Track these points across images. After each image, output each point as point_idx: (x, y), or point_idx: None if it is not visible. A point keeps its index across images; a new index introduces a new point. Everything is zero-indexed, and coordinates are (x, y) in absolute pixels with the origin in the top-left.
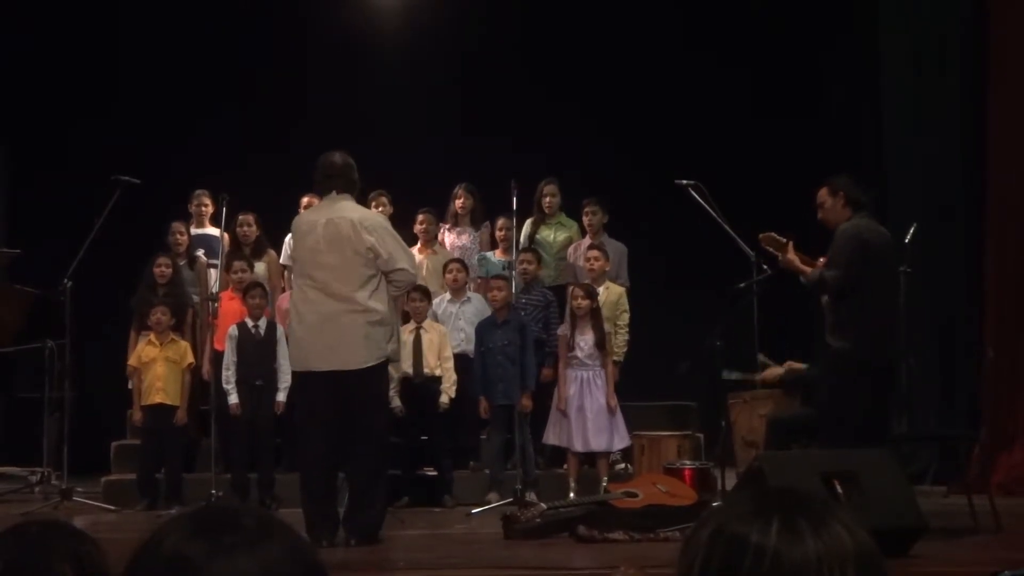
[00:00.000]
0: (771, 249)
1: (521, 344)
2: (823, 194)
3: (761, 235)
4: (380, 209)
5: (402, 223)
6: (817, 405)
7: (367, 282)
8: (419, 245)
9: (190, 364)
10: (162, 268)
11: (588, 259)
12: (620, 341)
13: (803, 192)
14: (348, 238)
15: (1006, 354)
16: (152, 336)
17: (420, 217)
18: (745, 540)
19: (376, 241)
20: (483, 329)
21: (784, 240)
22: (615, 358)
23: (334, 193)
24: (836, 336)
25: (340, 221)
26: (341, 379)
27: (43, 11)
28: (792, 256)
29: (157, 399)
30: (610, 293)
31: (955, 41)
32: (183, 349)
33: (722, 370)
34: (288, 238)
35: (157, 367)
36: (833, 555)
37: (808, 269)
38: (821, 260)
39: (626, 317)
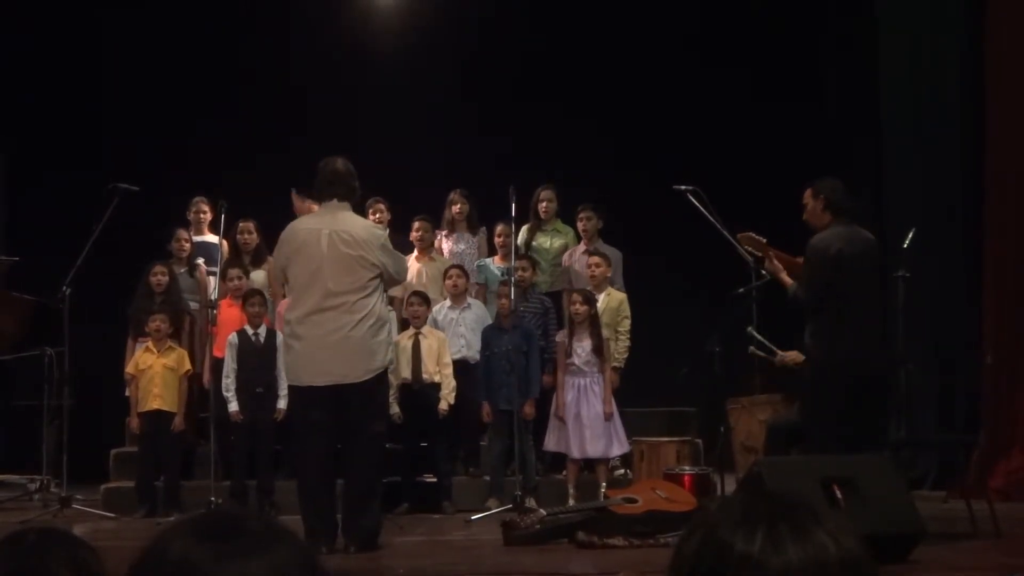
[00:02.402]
0: (751, 249)
1: (527, 350)
2: (806, 196)
3: (740, 235)
4: (377, 216)
5: (399, 229)
6: (800, 412)
7: (371, 292)
8: (416, 253)
9: (187, 371)
10: (158, 276)
11: (589, 265)
12: (621, 347)
13: (801, 196)
14: (354, 255)
15: (1005, 359)
16: (150, 343)
17: (416, 224)
18: (730, 548)
19: (381, 257)
20: (489, 334)
21: (763, 240)
22: (616, 364)
23: (334, 201)
24: (812, 346)
25: (344, 235)
26: (343, 391)
27: (40, 18)
28: (775, 265)
29: (154, 405)
30: (611, 299)
31: (953, 43)
32: (181, 356)
33: (749, 337)
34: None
35: (154, 374)
36: (815, 564)
37: (789, 281)
38: (800, 260)
39: (627, 323)
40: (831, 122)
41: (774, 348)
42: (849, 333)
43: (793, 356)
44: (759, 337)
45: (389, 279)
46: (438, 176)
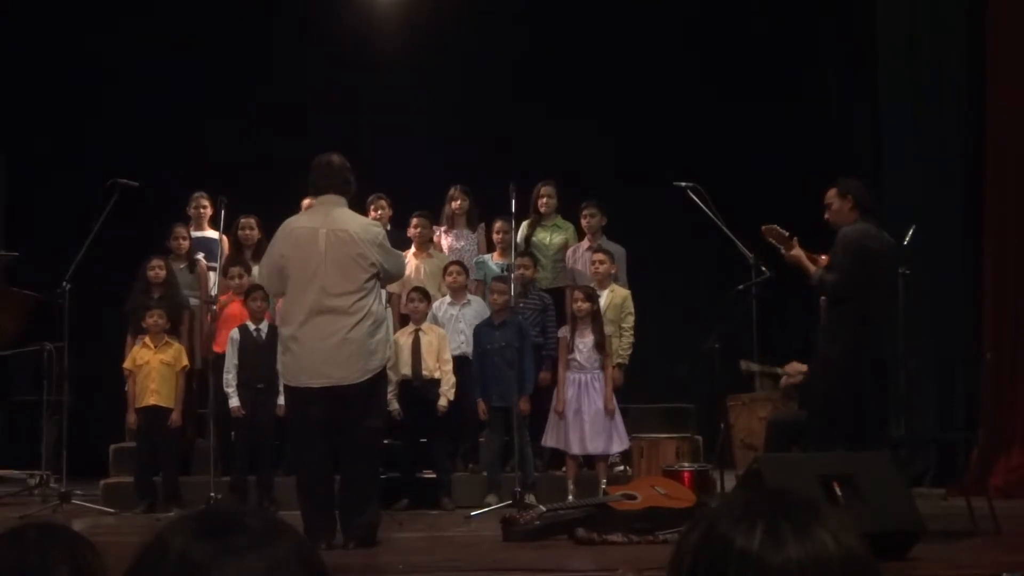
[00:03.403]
0: (773, 241)
1: (519, 346)
2: (831, 195)
3: (764, 227)
4: (379, 213)
5: (401, 226)
6: (808, 408)
7: (369, 292)
8: (414, 249)
9: (184, 367)
10: (156, 271)
11: (593, 262)
12: (625, 344)
13: (802, 194)
14: (351, 250)
15: (1004, 357)
16: (147, 339)
17: (414, 221)
18: (730, 544)
19: (378, 254)
20: (481, 331)
21: (787, 233)
22: (620, 361)
23: (330, 195)
24: (830, 341)
25: (342, 234)
26: (341, 390)
27: (41, 14)
28: (798, 251)
29: (151, 401)
30: (615, 296)
31: (953, 43)
32: (178, 351)
33: (740, 361)
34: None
35: (151, 370)
36: (815, 561)
37: (812, 267)
38: (823, 257)
39: (631, 320)
40: (831, 123)
41: (775, 370)
42: (870, 330)
43: (794, 368)
44: (755, 368)
45: (387, 277)
46: (439, 173)
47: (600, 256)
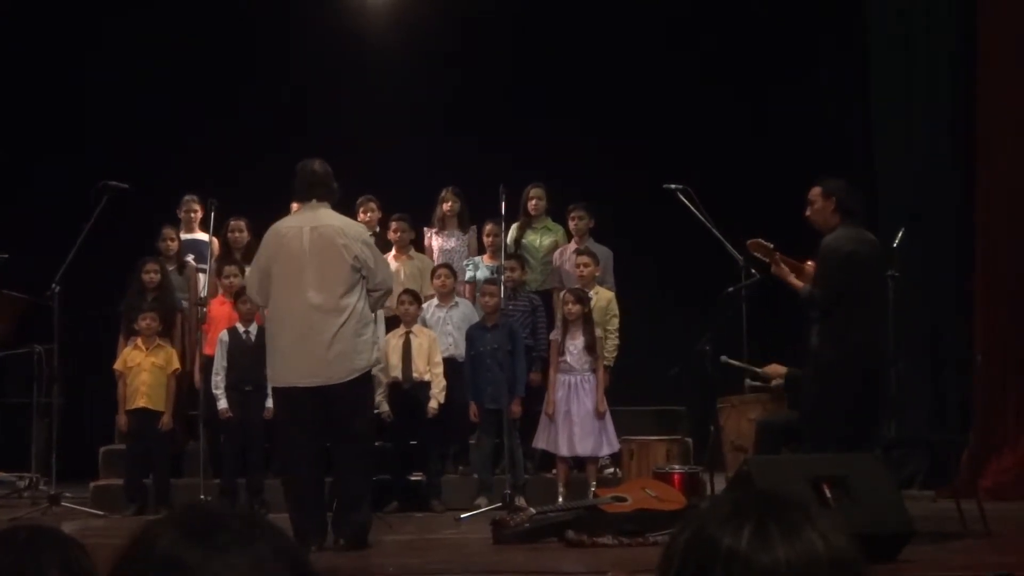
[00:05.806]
0: (759, 255)
1: (511, 349)
2: (815, 193)
3: (749, 241)
4: (368, 215)
5: (386, 228)
6: (800, 412)
7: (353, 288)
8: (394, 252)
9: (176, 370)
10: (151, 275)
11: (578, 265)
12: (610, 346)
13: (793, 196)
14: (335, 246)
15: (995, 359)
16: (138, 341)
17: (394, 225)
18: (717, 544)
19: (363, 251)
20: (473, 333)
21: (771, 246)
22: (606, 363)
23: (314, 201)
24: (821, 346)
25: (325, 230)
26: (328, 391)
27: (31, 12)
28: (782, 269)
29: (141, 403)
30: (599, 298)
31: (945, 43)
32: (169, 354)
33: (721, 355)
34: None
35: (142, 372)
36: (803, 562)
37: (800, 284)
38: (809, 263)
39: (616, 322)
40: (823, 125)
41: (754, 369)
42: (859, 333)
43: (775, 369)
44: (736, 363)
45: (372, 279)
46: (429, 174)
47: (584, 259)
